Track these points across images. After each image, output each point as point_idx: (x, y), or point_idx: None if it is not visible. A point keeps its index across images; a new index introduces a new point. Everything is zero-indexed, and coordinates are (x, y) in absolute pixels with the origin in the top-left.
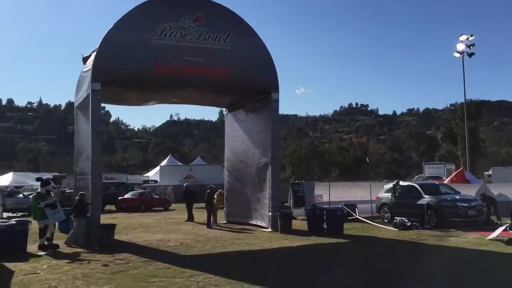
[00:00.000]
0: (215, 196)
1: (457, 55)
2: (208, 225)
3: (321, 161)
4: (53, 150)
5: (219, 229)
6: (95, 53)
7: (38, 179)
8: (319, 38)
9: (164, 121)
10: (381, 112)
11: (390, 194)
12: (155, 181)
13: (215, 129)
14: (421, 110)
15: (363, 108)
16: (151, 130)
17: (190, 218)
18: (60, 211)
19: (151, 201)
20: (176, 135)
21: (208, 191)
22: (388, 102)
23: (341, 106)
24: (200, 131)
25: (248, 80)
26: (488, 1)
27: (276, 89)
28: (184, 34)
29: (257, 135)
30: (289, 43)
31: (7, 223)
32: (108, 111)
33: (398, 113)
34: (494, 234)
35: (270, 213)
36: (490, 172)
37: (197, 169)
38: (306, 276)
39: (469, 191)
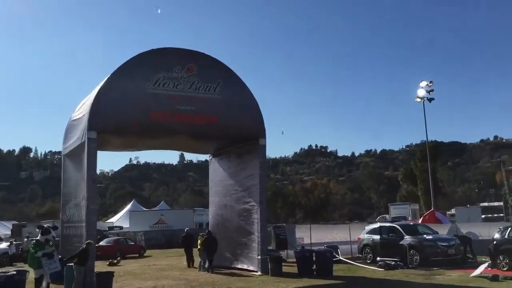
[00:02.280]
0: (199, 239)
1: (418, 100)
2: (202, 267)
3: (286, 203)
4: (6, 197)
5: (208, 273)
6: (88, 102)
7: (39, 227)
8: (278, 83)
9: (123, 165)
10: (340, 154)
11: (371, 235)
12: (121, 227)
13: (176, 173)
14: (378, 151)
15: (323, 150)
16: (110, 174)
17: (190, 262)
18: (56, 261)
19: (127, 248)
20: (135, 179)
21: (185, 234)
22: (346, 144)
23: (301, 148)
24: (160, 175)
25: (237, 127)
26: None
27: (263, 135)
28: (177, 84)
29: (244, 180)
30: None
31: (6, 274)
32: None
33: (356, 154)
34: (477, 272)
35: (259, 257)
36: (453, 212)
37: (168, 214)
38: None
39: (441, 230)
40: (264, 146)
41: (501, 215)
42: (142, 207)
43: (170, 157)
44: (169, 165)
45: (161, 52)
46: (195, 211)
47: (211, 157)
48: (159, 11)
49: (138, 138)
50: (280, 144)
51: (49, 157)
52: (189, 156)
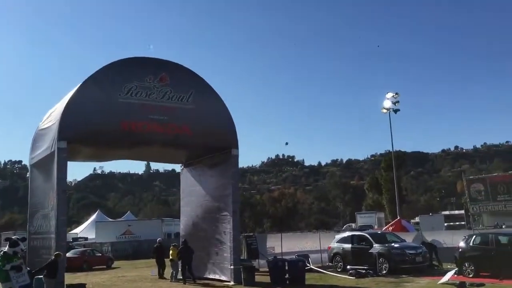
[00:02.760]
0: (170, 250)
1: (384, 111)
2: (173, 278)
3: (253, 213)
4: None
5: (180, 283)
6: (57, 111)
7: (7, 239)
8: (245, 92)
9: (87, 174)
10: (307, 163)
11: (341, 243)
12: (85, 238)
13: (141, 182)
14: (344, 160)
15: (290, 159)
16: (72, 184)
17: (161, 273)
18: (24, 274)
19: (94, 260)
20: (99, 189)
21: (157, 245)
22: (313, 153)
23: (269, 158)
24: (125, 185)
25: (210, 137)
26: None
27: (236, 145)
28: (149, 94)
29: (216, 190)
30: None
31: None
32: (25, 165)
33: (323, 163)
34: (445, 279)
35: (232, 266)
36: (417, 220)
37: (136, 224)
38: None
39: (408, 238)
40: (237, 156)
41: (463, 223)
42: (107, 218)
43: (135, 166)
44: (134, 174)
45: (133, 61)
46: (163, 221)
47: (182, 167)
48: (151, 47)
49: (109, 148)
50: (247, 153)
51: (9, 166)
52: (156, 166)
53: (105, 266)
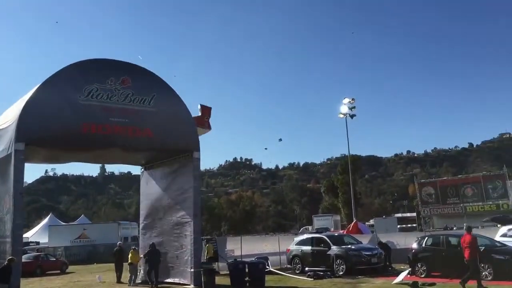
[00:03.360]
0: (130, 254)
1: (341, 116)
2: (132, 283)
3: (211, 216)
4: None
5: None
6: (14, 111)
7: None
8: (203, 93)
9: (38, 176)
10: (264, 166)
11: (300, 246)
12: (37, 243)
13: (96, 185)
14: (301, 164)
15: (248, 163)
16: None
17: (120, 277)
18: None
19: (48, 264)
20: (51, 191)
21: (117, 248)
22: (271, 157)
23: (226, 161)
24: (78, 187)
25: (171, 140)
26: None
27: (197, 148)
28: (111, 96)
29: (177, 193)
30: None
31: None
32: None
33: (280, 167)
34: (399, 279)
35: (192, 270)
36: (371, 222)
37: (91, 228)
38: None
39: (364, 240)
40: (198, 159)
41: (414, 225)
42: (60, 221)
43: (89, 168)
44: (88, 177)
45: (94, 63)
46: (120, 224)
47: (143, 169)
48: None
49: (68, 150)
50: (205, 156)
51: None
52: (111, 168)
53: (59, 271)
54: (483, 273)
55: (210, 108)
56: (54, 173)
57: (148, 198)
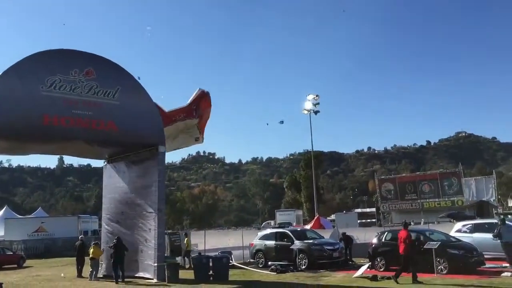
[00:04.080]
0: (91, 248)
1: (305, 112)
2: (93, 277)
3: (173, 210)
4: None
5: (101, 282)
6: None
7: None
8: (168, 86)
9: None
10: (227, 161)
11: (264, 240)
12: None
13: (53, 177)
14: (264, 159)
15: (211, 156)
16: None
17: (81, 271)
18: None
19: (4, 258)
20: (6, 183)
21: (79, 242)
22: (234, 151)
23: (189, 154)
24: (35, 179)
25: (136, 134)
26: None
27: (162, 142)
28: (74, 88)
29: (141, 187)
30: None
31: None
32: None
33: (243, 161)
34: (359, 272)
35: (155, 264)
36: (333, 217)
37: (50, 221)
38: None
39: (326, 235)
40: (164, 153)
41: (374, 220)
42: (15, 214)
43: (47, 160)
44: (46, 168)
45: (57, 53)
46: (80, 218)
47: (106, 162)
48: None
49: (29, 142)
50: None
51: None
52: (69, 160)
53: (16, 266)
54: (439, 267)
55: (202, 95)
56: (10, 165)
57: (111, 192)
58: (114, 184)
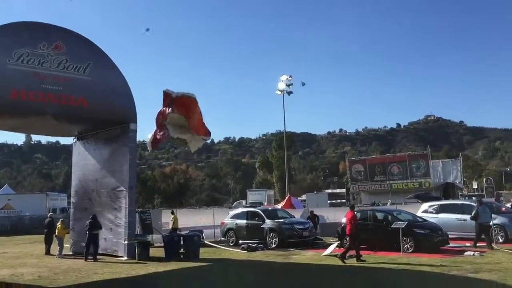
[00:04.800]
0: (58, 225)
1: (279, 92)
2: (60, 254)
3: (144, 189)
4: None
5: (69, 259)
6: None
7: None
8: (144, 66)
9: None
10: None
11: (235, 219)
12: None
13: (21, 154)
14: (236, 139)
15: None
16: None
17: (48, 249)
18: None
19: None
20: None
21: (48, 219)
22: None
23: None
24: (1, 156)
25: (107, 111)
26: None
27: (134, 120)
28: (43, 62)
29: (112, 164)
30: None
31: None
32: None
33: (216, 141)
34: (328, 251)
35: (126, 242)
36: (304, 197)
37: (17, 198)
38: None
39: (296, 214)
40: (135, 131)
41: (343, 201)
42: None
43: (14, 136)
44: (12, 145)
45: (25, 26)
46: (48, 195)
47: (75, 139)
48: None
49: None
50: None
51: None
52: (37, 137)
53: None
54: (405, 246)
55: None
56: None
57: (80, 169)
58: (84, 161)
